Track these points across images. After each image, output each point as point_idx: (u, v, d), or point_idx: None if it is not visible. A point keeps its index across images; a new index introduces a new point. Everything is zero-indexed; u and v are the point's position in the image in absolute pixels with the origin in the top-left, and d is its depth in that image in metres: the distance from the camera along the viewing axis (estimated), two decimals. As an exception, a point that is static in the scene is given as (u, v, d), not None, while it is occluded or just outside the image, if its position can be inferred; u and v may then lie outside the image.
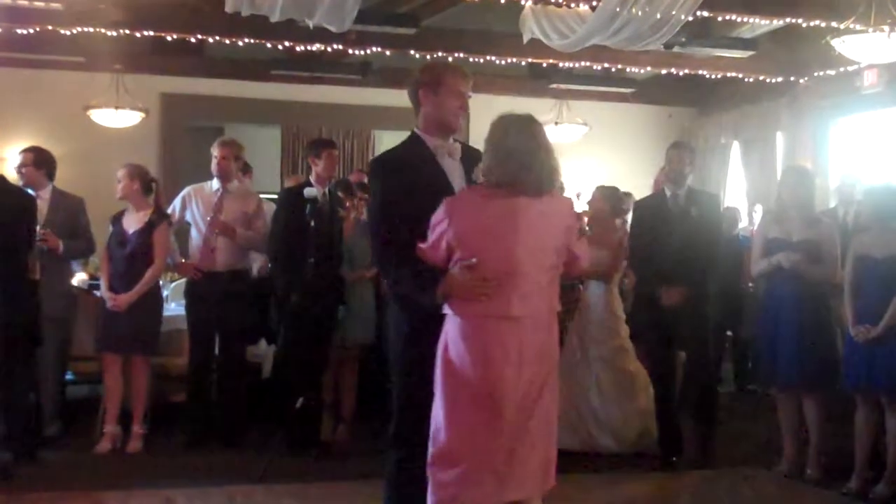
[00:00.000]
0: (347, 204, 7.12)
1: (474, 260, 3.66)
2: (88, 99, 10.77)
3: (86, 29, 9.38)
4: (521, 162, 3.71)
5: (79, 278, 7.94)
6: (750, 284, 8.89)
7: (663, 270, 6.48)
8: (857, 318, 5.92)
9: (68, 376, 7.53)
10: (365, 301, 7.17)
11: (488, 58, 10.40)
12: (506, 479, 3.68)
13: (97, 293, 7.27)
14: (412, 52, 10.30)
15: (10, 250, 6.11)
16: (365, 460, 6.46)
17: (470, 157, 4.07)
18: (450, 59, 10.34)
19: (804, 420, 6.34)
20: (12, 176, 7.03)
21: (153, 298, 7.01)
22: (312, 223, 6.55)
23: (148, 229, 6.90)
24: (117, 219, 7.01)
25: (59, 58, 10.56)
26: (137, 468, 6.44)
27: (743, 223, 10.37)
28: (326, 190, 6.91)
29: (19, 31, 9.33)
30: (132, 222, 6.95)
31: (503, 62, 10.54)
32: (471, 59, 10.30)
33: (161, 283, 8.05)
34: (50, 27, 9.28)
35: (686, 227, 6.53)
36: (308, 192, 6.63)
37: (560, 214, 3.81)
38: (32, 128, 10.56)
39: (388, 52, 10.38)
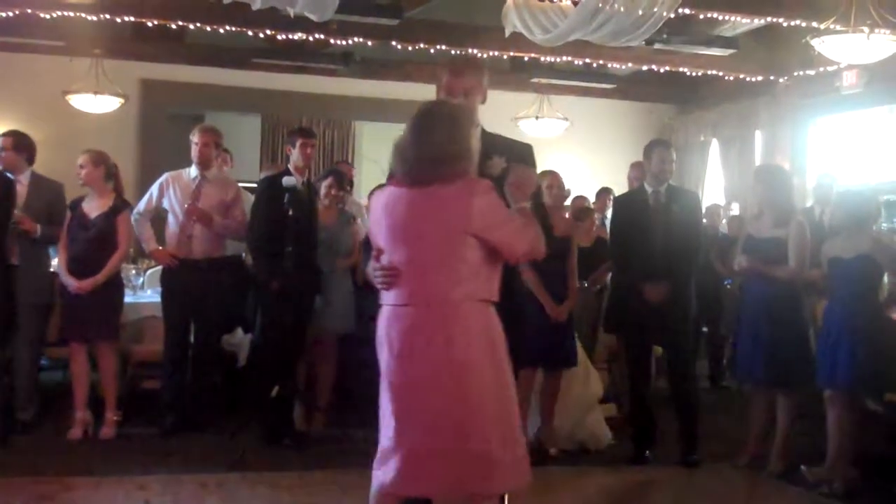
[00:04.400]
0: (333, 192, 7.11)
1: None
2: (68, 84, 10.71)
3: (66, 13, 9.32)
4: (397, 154, 3.77)
5: (56, 264, 7.86)
6: (727, 282, 8.96)
7: (646, 266, 6.51)
8: (826, 318, 6.03)
9: (42, 361, 7.49)
10: (342, 291, 7.17)
11: (470, 50, 10.37)
12: (401, 471, 3.66)
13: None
14: (394, 43, 10.28)
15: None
16: (340, 449, 6.48)
17: (491, 150, 4.02)
18: (431, 51, 10.36)
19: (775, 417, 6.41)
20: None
21: (115, 284, 6.99)
22: (290, 212, 6.53)
23: (112, 214, 6.89)
24: (76, 204, 6.98)
25: (38, 42, 10.48)
26: (110, 455, 6.41)
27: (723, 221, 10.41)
28: (304, 179, 6.91)
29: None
30: (94, 207, 6.92)
31: (485, 55, 10.53)
32: (453, 52, 10.28)
33: (136, 269, 8.05)
34: (30, 10, 9.21)
35: (668, 223, 6.56)
36: (287, 180, 6.62)
37: (453, 202, 3.64)
38: (11, 112, 10.51)
39: (370, 43, 10.35)
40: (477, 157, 3.78)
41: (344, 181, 7.31)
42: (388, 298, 3.78)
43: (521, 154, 4.12)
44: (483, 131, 4.13)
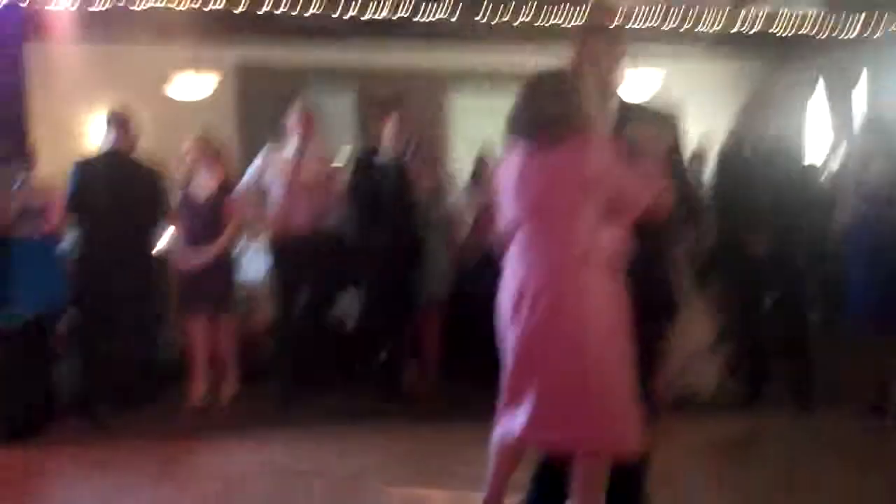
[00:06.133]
0: (417, 161, 7.15)
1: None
2: (164, 72, 10.94)
3: (156, 5, 9.53)
4: (508, 126, 3.85)
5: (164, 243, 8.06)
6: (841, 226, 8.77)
7: (749, 219, 6.44)
8: None
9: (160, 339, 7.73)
10: (440, 258, 7.24)
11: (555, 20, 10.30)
12: (514, 417, 3.76)
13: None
14: (481, 14, 10.24)
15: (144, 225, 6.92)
16: (448, 411, 6.56)
17: (626, 117, 3.97)
18: (519, 18, 10.30)
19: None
20: (96, 147, 7.26)
21: (227, 260, 7.25)
22: (384, 185, 6.61)
23: (220, 194, 7.13)
24: (186, 185, 7.22)
25: (132, 33, 10.71)
26: (229, 418, 6.71)
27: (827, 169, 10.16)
28: (397, 153, 6.97)
29: (91, 9, 9.49)
30: (203, 188, 7.16)
31: (570, 24, 10.43)
32: (536, 24, 10.19)
33: (243, 243, 8.25)
34: (121, 3, 9.44)
35: (768, 177, 6.48)
36: (380, 154, 6.70)
37: (568, 161, 3.67)
38: (111, 102, 10.73)
39: (457, 14, 10.34)
40: (596, 120, 3.73)
41: (429, 151, 7.32)
42: (511, 262, 3.84)
43: (662, 123, 4.02)
44: (621, 102, 4.04)
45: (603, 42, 4.04)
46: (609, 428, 3.68)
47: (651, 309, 3.87)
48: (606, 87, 4.00)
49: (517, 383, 3.78)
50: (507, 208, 3.87)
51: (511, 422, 3.80)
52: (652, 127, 3.89)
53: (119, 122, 7.03)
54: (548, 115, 3.70)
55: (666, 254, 4.12)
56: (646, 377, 3.87)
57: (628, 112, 4.01)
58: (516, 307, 3.75)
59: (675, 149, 4.02)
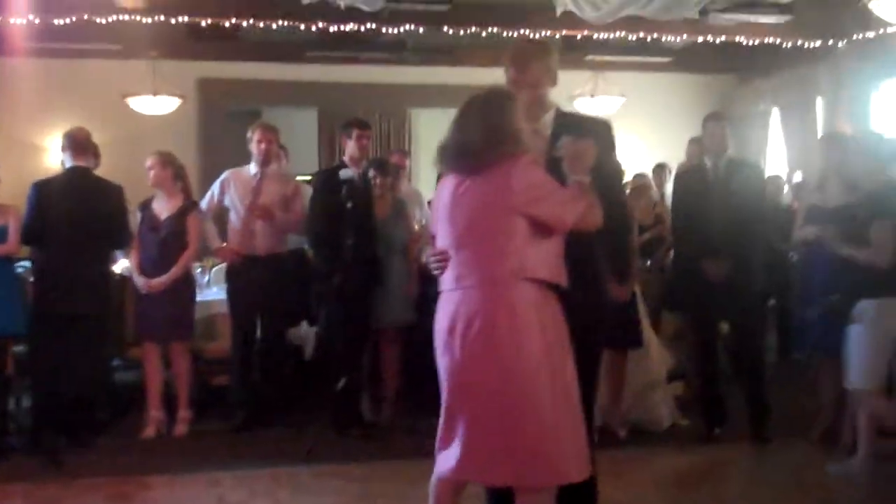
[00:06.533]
0: (377, 182, 7.09)
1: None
2: (126, 87, 10.85)
3: (121, 17, 9.44)
4: (440, 150, 3.87)
5: (122, 265, 8.02)
6: (792, 254, 8.81)
7: (706, 242, 6.44)
8: None
9: (116, 362, 7.65)
10: (400, 282, 7.18)
11: (522, 31, 10.29)
12: (449, 453, 3.71)
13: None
14: (446, 28, 10.26)
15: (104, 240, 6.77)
16: (407, 439, 6.52)
17: (563, 130, 3.99)
18: (483, 34, 10.32)
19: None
20: (55, 165, 7.14)
21: (187, 284, 7.12)
22: (349, 204, 6.56)
23: (181, 215, 7.01)
24: (146, 205, 7.12)
25: (95, 46, 10.64)
26: (184, 452, 6.53)
27: (786, 191, 10.24)
28: (361, 170, 6.94)
29: (56, 21, 9.40)
30: (164, 208, 7.06)
31: (537, 35, 10.44)
32: (504, 34, 10.24)
33: (201, 268, 8.16)
34: (86, 16, 9.35)
35: (728, 197, 6.48)
36: (343, 173, 6.68)
37: (496, 182, 3.66)
38: (72, 117, 10.61)
39: (421, 30, 10.34)
40: (524, 141, 3.73)
41: (388, 169, 7.26)
42: (441, 284, 3.83)
43: (595, 131, 4.05)
44: (557, 112, 4.13)
45: (535, 59, 4.11)
46: (546, 461, 3.59)
47: (587, 324, 3.88)
48: (541, 101, 4.09)
49: (450, 416, 3.73)
50: (440, 236, 3.86)
51: (446, 458, 3.74)
52: (586, 136, 3.89)
53: (76, 141, 6.83)
54: (471, 142, 3.71)
55: (598, 268, 4.11)
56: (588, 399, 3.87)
57: (564, 121, 4.09)
58: (450, 332, 3.70)
59: (608, 157, 4.07)
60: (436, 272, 3.84)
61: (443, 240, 3.83)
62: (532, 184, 3.65)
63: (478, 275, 3.68)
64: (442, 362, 3.76)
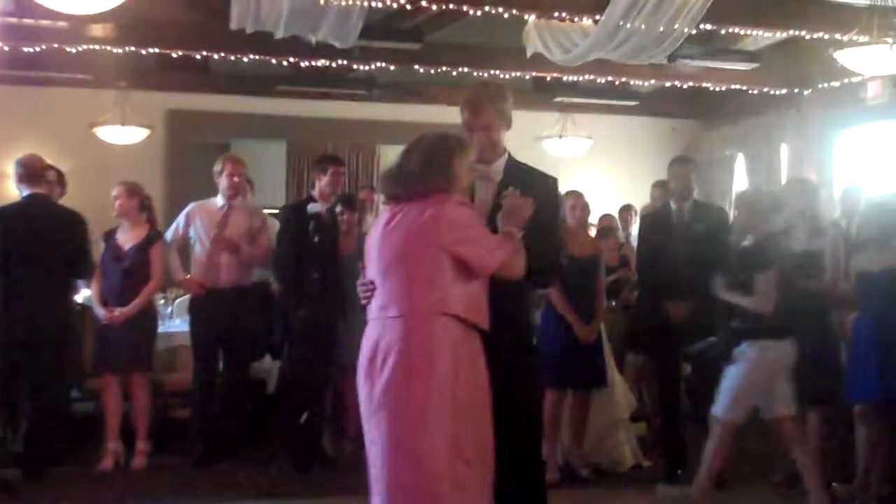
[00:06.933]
0: (344, 217, 7.08)
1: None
2: (94, 116, 10.83)
3: (91, 47, 9.43)
4: (381, 179, 4.05)
5: (84, 295, 7.97)
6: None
7: (670, 284, 6.48)
8: (857, 332, 5.96)
9: (74, 392, 7.54)
10: (364, 318, 7.11)
11: (492, 72, 10.39)
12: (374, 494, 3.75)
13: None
14: (417, 66, 10.34)
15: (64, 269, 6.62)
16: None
17: (512, 179, 4.07)
18: (454, 73, 10.40)
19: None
20: (15, 193, 7.06)
21: (148, 315, 7.05)
22: (316, 239, 6.56)
23: (145, 245, 6.97)
24: (110, 235, 7.06)
25: (64, 75, 10.59)
26: (142, 485, 6.45)
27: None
28: (330, 206, 6.93)
29: (25, 49, 9.38)
30: (128, 239, 7.01)
31: (507, 76, 10.54)
32: (475, 74, 10.33)
33: (164, 299, 8.09)
34: (56, 45, 9.32)
35: (692, 240, 6.53)
36: (311, 207, 6.68)
37: (423, 217, 3.72)
38: (39, 146, 10.50)
39: (392, 68, 10.41)
40: (464, 185, 3.88)
41: (355, 205, 7.25)
42: (368, 314, 3.88)
43: (540, 186, 4.12)
44: (509, 159, 4.20)
45: (489, 103, 4.17)
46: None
47: (517, 367, 3.94)
48: (494, 144, 4.15)
49: (372, 452, 3.76)
50: (369, 266, 3.89)
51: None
52: (530, 191, 3.96)
53: (29, 169, 6.69)
54: (409, 171, 3.79)
55: (526, 312, 4.22)
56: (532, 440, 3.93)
57: (514, 171, 4.16)
58: (370, 362, 3.72)
59: (548, 212, 4.14)
60: (363, 301, 3.88)
61: (371, 270, 3.87)
62: (460, 224, 3.72)
63: (400, 305, 3.71)
64: (362, 393, 3.78)
